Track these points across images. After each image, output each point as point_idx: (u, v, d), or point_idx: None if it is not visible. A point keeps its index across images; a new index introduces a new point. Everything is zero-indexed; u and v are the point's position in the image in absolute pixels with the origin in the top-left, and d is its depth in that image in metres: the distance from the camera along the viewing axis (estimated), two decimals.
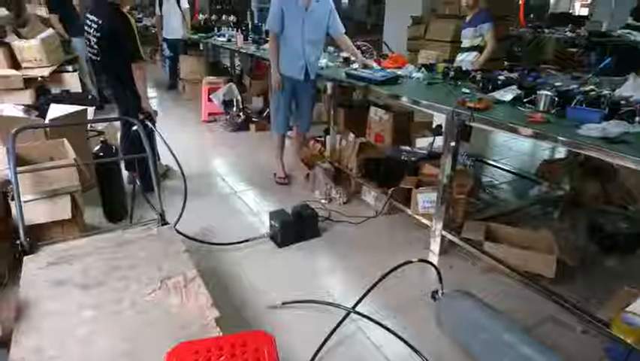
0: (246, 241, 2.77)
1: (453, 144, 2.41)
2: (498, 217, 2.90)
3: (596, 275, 2.49)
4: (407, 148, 3.44)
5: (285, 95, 3.47)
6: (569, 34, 9.04)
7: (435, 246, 2.68)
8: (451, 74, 3.11)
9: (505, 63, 5.89)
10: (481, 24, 3.87)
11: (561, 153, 4.20)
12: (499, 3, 5.66)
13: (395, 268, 2.07)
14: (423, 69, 3.38)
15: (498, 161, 4.15)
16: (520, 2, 10.31)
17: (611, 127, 1.85)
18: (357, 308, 2.09)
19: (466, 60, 3.90)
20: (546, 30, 9.40)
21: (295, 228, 2.78)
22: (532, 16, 10.77)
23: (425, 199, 2.74)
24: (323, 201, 3.32)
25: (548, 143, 2.11)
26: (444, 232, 2.61)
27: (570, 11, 15.69)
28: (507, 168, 3.91)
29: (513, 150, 4.73)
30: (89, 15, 3.07)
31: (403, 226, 3.01)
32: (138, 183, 3.17)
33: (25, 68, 4.50)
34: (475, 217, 2.82)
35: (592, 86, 2.38)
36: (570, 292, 2.20)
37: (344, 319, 2.01)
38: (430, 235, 2.70)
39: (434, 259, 2.64)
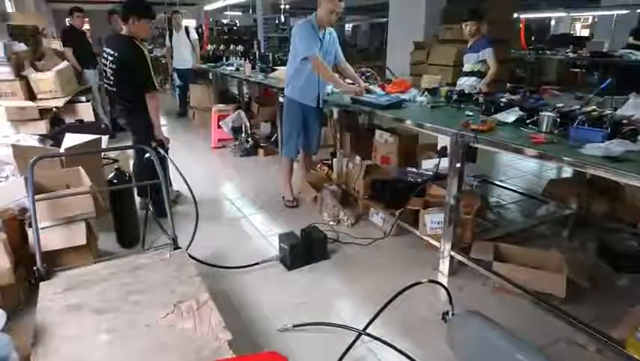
0: (256, 264, 2.80)
1: (458, 165, 2.45)
2: (506, 237, 2.91)
3: (606, 294, 2.48)
4: (413, 170, 3.49)
5: (296, 121, 3.56)
6: (570, 55, 9.16)
7: (444, 267, 2.69)
8: (455, 97, 3.18)
9: (508, 85, 5.98)
10: (482, 49, 3.98)
11: (568, 172, 4.22)
12: (499, 27, 5.80)
13: (404, 290, 2.08)
14: (426, 93, 3.45)
15: (505, 181, 4.17)
16: (521, 26, 10.53)
17: (613, 146, 1.88)
18: (368, 330, 2.09)
19: (466, 84, 3.98)
20: (548, 52, 9.54)
21: (304, 250, 2.81)
22: (533, 38, 10.97)
23: (433, 220, 2.76)
24: (331, 223, 3.36)
25: (554, 163, 2.15)
26: (452, 253, 2.62)
27: (571, 32, 15.92)
28: (514, 188, 3.92)
29: (519, 170, 4.75)
30: (105, 48, 3.21)
31: (411, 247, 3.03)
32: (151, 208, 3.23)
33: (41, 99, 4.65)
34: (484, 237, 2.83)
35: (594, 106, 2.43)
36: (581, 312, 2.19)
37: (355, 341, 2.01)
38: (439, 255, 2.72)
39: (443, 279, 2.64)
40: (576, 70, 9.61)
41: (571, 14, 14.85)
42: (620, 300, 2.40)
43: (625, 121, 2.16)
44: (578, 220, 3.18)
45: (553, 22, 16.97)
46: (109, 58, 3.12)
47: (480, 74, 4.02)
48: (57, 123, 4.80)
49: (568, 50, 9.33)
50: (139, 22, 3.11)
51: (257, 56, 6.59)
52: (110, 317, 1.86)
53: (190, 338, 1.74)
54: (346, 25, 12.03)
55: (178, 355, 1.65)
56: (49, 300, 1.98)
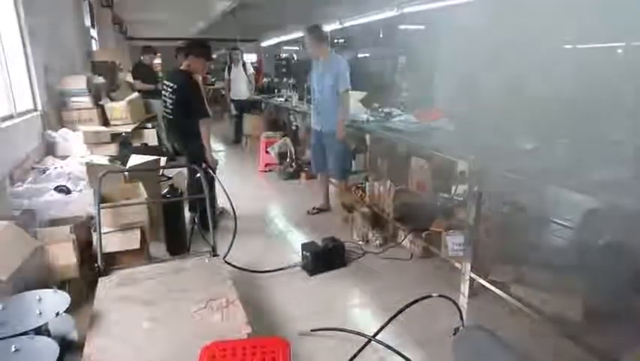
0: (281, 269, 3.11)
1: (476, 188, 2.58)
2: (533, 262, 2.93)
3: (633, 326, 2.44)
4: (444, 195, 3.61)
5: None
6: None
7: (464, 287, 2.77)
8: None
9: None
10: None
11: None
12: None
13: (414, 302, 2.20)
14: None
15: (548, 211, 4.13)
16: None
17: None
18: (383, 339, 2.22)
19: None
20: None
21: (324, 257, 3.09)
22: None
23: (454, 241, 2.87)
24: (360, 242, 3.53)
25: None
26: (472, 274, 2.70)
27: None
28: (549, 217, 3.88)
29: (567, 201, 4.66)
30: (165, 81, 3.69)
31: (436, 268, 3.14)
32: (197, 222, 3.59)
33: (113, 125, 5.28)
34: (509, 261, 2.87)
35: None
36: (599, 339, 2.19)
37: (364, 346, 2.17)
38: (460, 276, 2.80)
39: (464, 300, 2.72)
40: None
41: None
42: None
43: None
44: (612, 250, 3.12)
45: None
46: (168, 89, 3.59)
47: None
48: (125, 146, 5.39)
49: None
50: (197, 59, 3.58)
51: (305, 88, 7.01)
52: (152, 308, 2.16)
53: (216, 328, 1.99)
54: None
55: (205, 341, 1.90)
56: (105, 292, 2.32)
